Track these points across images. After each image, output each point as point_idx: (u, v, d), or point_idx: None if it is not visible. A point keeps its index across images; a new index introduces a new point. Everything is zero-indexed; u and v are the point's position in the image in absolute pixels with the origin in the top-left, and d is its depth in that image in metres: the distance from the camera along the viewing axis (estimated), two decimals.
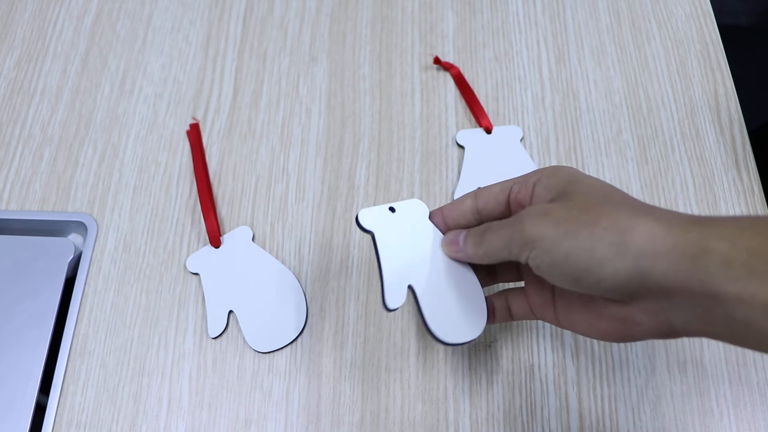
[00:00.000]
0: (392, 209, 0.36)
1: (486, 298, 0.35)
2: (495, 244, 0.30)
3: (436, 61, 0.51)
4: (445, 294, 0.34)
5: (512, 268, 0.36)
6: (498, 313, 0.35)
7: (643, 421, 0.38)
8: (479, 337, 0.35)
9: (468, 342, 0.34)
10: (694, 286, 0.24)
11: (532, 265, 0.28)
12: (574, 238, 0.26)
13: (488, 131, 0.48)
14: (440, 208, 0.35)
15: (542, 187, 0.30)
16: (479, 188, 0.34)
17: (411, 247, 0.35)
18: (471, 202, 0.33)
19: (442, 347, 0.41)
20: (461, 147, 0.48)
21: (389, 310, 0.34)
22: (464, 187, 0.45)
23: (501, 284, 0.38)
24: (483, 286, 0.35)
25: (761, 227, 0.24)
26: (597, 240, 0.26)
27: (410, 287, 0.34)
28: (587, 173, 0.44)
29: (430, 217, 0.36)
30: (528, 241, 0.28)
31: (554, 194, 0.29)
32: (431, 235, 0.36)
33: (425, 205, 0.37)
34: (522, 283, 0.35)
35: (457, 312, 0.34)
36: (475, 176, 0.46)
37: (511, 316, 0.35)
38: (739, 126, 0.48)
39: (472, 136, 0.48)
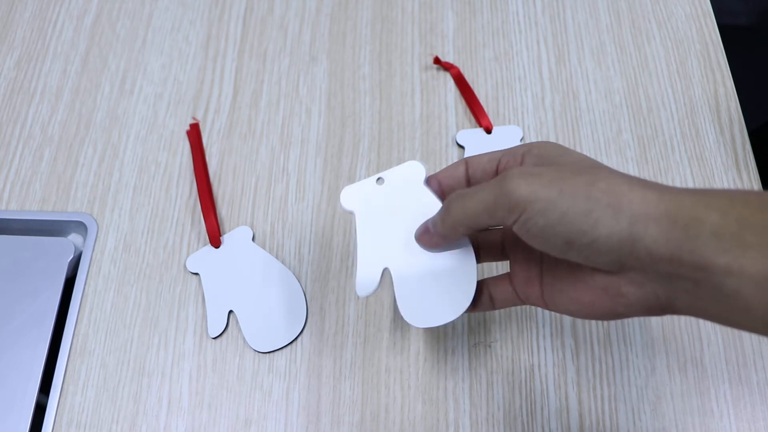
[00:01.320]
0: (381, 179, 0.34)
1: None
2: (473, 209, 0.28)
3: (436, 61, 0.51)
4: (425, 274, 0.32)
5: (495, 248, 0.34)
6: (480, 303, 0.33)
7: (643, 421, 0.38)
8: (458, 320, 0.32)
9: (441, 325, 0.31)
10: (684, 256, 0.24)
11: (520, 229, 0.27)
12: (570, 198, 0.25)
13: (488, 131, 0.48)
14: (435, 174, 0.33)
15: (531, 157, 0.29)
16: (469, 157, 0.32)
17: (396, 223, 0.33)
18: (463, 169, 0.32)
19: (442, 347, 0.41)
20: (461, 147, 0.48)
21: (362, 297, 0.33)
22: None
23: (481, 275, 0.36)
24: None
25: (752, 199, 0.23)
26: (594, 201, 0.25)
27: (387, 269, 0.32)
28: None
29: (428, 182, 0.33)
30: (518, 203, 0.26)
31: (544, 163, 0.29)
32: (423, 201, 0.33)
33: (422, 167, 0.34)
34: (502, 272, 0.34)
35: (436, 293, 0.32)
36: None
37: (493, 304, 0.33)
38: (739, 126, 0.48)
39: (472, 136, 0.48)
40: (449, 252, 0.32)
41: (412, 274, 0.32)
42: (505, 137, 0.48)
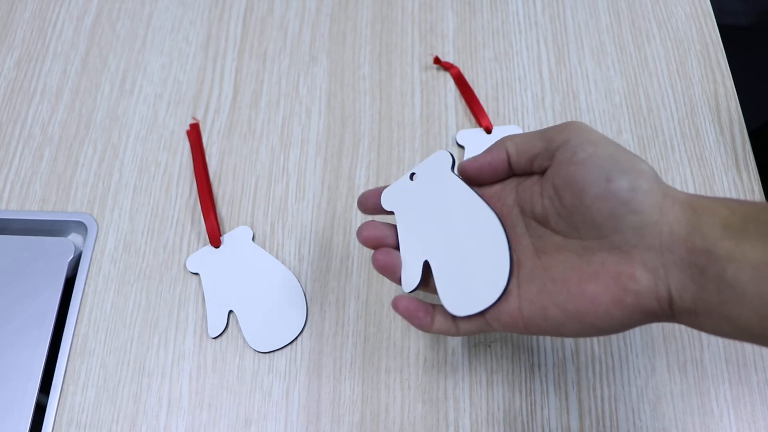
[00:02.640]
0: (412, 175, 0.35)
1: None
2: (523, 146, 0.32)
3: (436, 61, 0.51)
4: (462, 262, 0.32)
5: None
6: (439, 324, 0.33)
7: (643, 421, 0.38)
8: (496, 302, 0.31)
9: (485, 309, 0.31)
10: (696, 240, 0.26)
11: (565, 154, 0.29)
12: (605, 146, 0.28)
13: (488, 131, 0.48)
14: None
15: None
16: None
17: (431, 215, 0.34)
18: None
19: (442, 347, 0.41)
20: (461, 147, 0.48)
21: (408, 293, 0.33)
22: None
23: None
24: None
25: (758, 203, 0.26)
26: (637, 170, 0.28)
27: (427, 263, 0.33)
28: None
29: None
30: (564, 130, 0.30)
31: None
32: (453, 191, 0.33)
33: (449, 156, 0.34)
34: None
35: (475, 279, 0.32)
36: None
37: (457, 329, 0.33)
38: (739, 126, 0.48)
39: (472, 136, 0.48)
40: (483, 235, 0.32)
41: (450, 264, 0.33)
42: None
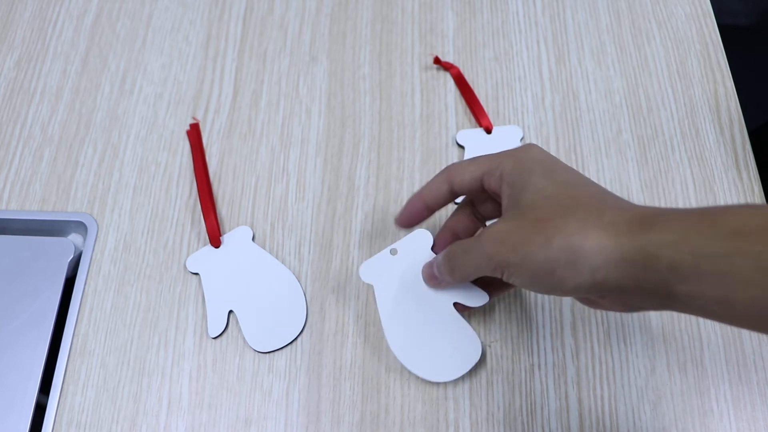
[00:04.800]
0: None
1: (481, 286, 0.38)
2: (469, 269, 0.33)
3: (436, 61, 0.51)
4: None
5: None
6: (493, 287, 0.38)
7: (643, 421, 0.38)
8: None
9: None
10: (648, 287, 0.27)
11: (507, 281, 0.31)
12: (533, 263, 0.29)
13: (488, 131, 0.48)
14: (420, 193, 0.36)
15: (506, 185, 0.32)
16: (451, 169, 0.35)
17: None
18: (446, 188, 0.35)
19: None
20: (461, 147, 0.48)
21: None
22: None
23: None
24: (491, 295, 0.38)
25: (705, 228, 0.25)
26: (554, 262, 0.28)
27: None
28: (586, 173, 0.45)
29: (411, 202, 0.37)
30: (496, 267, 0.31)
31: (514, 194, 0.32)
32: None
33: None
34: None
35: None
36: None
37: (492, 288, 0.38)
38: (739, 126, 0.48)
39: (472, 136, 0.48)
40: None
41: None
42: (505, 137, 0.48)
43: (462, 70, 0.51)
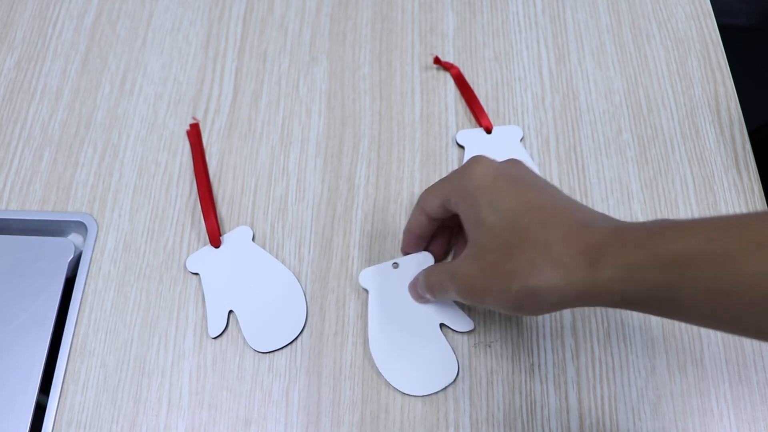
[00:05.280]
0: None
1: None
2: (449, 297, 0.37)
3: (436, 61, 0.51)
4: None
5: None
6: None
7: (643, 421, 0.38)
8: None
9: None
10: (609, 306, 0.30)
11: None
12: (501, 304, 0.32)
13: (488, 131, 0.48)
14: (408, 226, 0.40)
15: (461, 214, 0.35)
16: (422, 198, 0.38)
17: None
18: (424, 218, 0.38)
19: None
20: (461, 147, 0.48)
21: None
22: None
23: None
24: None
25: (647, 256, 0.27)
26: (518, 301, 0.31)
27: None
28: (586, 173, 0.45)
29: (404, 234, 0.42)
30: (472, 299, 0.34)
31: (469, 228, 0.34)
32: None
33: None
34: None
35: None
36: None
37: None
38: (739, 126, 0.48)
39: (472, 136, 0.48)
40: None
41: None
42: (506, 137, 0.48)
43: (462, 70, 0.51)
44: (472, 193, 0.33)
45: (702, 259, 0.25)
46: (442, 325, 0.41)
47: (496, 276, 0.31)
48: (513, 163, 0.35)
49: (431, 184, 0.38)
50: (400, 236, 0.44)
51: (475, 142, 0.47)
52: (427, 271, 0.38)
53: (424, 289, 0.39)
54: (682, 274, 0.25)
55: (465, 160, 0.46)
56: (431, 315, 0.41)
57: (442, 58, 0.52)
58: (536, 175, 0.34)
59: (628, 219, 0.45)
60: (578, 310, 0.42)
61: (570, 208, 0.31)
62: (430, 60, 0.52)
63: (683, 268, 0.25)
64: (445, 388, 0.39)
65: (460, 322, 0.40)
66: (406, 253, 0.42)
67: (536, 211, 0.31)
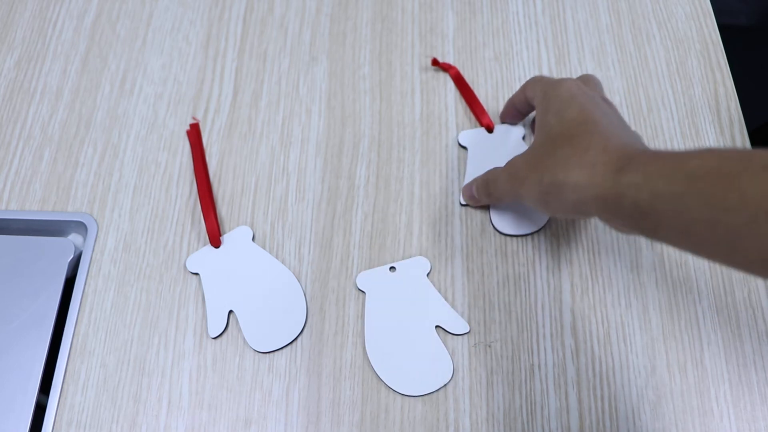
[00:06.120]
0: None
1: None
2: (499, 195, 0.41)
3: (434, 62, 0.51)
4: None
5: None
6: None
7: (643, 421, 0.38)
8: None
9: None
10: (620, 220, 0.32)
11: (524, 203, 0.39)
12: (533, 194, 0.37)
13: (490, 130, 0.48)
14: (510, 99, 0.46)
15: (537, 114, 0.40)
16: (526, 83, 0.43)
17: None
18: (523, 95, 0.43)
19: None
20: (463, 147, 0.48)
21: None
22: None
23: None
24: None
25: (668, 168, 0.29)
26: (545, 195, 0.35)
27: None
28: None
29: (505, 108, 0.47)
30: (514, 196, 0.39)
31: (536, 127, 0.39)
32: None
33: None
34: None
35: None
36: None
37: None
38: (739, 126, 0.48)
39: (474, 135, 0.48)
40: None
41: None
42: (508, 135, 0.48)
43: (462, 70, 0.51)
44: (549, 99, 0.38)
45: (712, 174, 0.27)
46: (438, 328, 0.41)
47: (535, 167, 0.36)
48: (593, 85, 0.40)
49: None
50: (401, 236, 0.44)
51: (478, 142, 0.47)
52: (487, 173, 0.43)
53: (481, 187, 0.43)
54: (690, 186, 0.28)
55: (469, 160, 0.47)
56: (427, 317, 0.41)
57: (442, 59, 0.52)
58: (609, 102, 0.39)
59: None
60: (578, 310, 0.42)
61: (620, 130, 0.35)
62: (430, 60, 0.52)
63: (694, 180, 0.28)
64: (440, 388, 0.39)
65: (456, 325, 0.41)
66: (503, 120, 0.47)
67: (591, 124, 0.35)
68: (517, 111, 0.46)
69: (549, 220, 0.44)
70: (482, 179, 0.43)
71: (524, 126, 0.49)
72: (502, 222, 0.44)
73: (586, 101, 0.36)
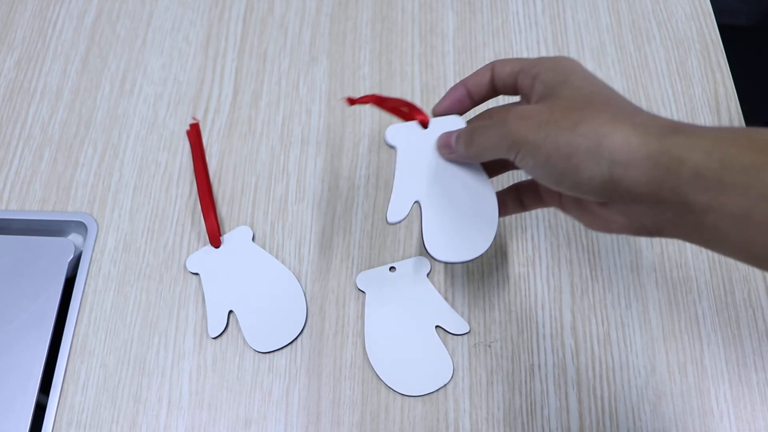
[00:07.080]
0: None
1: (498, 196, 0.35)
2: (485, 144, 0.32)
3: (351, 101, 0.38)
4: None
5: (515, 198, 0.37)
6: (510, 205, 0.37)
7: (643, 421, 0.38)
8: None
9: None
10: (665, 194, 0.25)
11: (519, 164, 0.30)
12: (553, 143, 0.28)
13: (424, 125, 0.37)
14: (463, 80, 0.36)
15: (539, 82, 0.31)
16: (496, 60, 0.34)
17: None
18: (489, 76, 0.34)
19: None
20: (392, 147, 0.37)
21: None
22: (400, 196, 0.35)
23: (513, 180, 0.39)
24: (508, 213, 0.37)
25: (740, 138, 0.24)
26: (574, 147, 0.27)
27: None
28: None
29: (455, 87, 0.36)
30: (513, 144, 0.29)
31: (548, 91, 0.30)
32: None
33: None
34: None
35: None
36: (411, 181, 0.36)
37: (523, 206, 0.37)
38: (739, 126, 0.48)
39: (404, 132, 0.37)
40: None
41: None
42: (446, 129, 0.37)
43: (462, 70, 0.51)
44: (566, 68, 0.31)
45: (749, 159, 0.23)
46: (438, 328, 0.41)
47: (564, 113, 0.28)
48: None
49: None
50: (401, 236, 0.44)
51: (411, 140, 0.36)
52: (474, 122, 0.35)
53: (463, 135, 0.34)
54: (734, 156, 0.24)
55: (398, 163, 0.36)
56: (427, 317, 0.41)
57: (442, 58, 0.52)
58: None
59: None
60: (578, 310, 0.42)
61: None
62: (431, 60, 0.52)
63: (739, 148, 0.24)
64: (440, 388, 0.39)
65: (456, 325, 0.41)
66: (439, 112, 0.36)
67: (626, 99, 0.30)
68: (467, 98, 0.36)
69: (543, 219, 0.44)
70: (467, 128, 0.34)
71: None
72: (437, 245, 0.35)
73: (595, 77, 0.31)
